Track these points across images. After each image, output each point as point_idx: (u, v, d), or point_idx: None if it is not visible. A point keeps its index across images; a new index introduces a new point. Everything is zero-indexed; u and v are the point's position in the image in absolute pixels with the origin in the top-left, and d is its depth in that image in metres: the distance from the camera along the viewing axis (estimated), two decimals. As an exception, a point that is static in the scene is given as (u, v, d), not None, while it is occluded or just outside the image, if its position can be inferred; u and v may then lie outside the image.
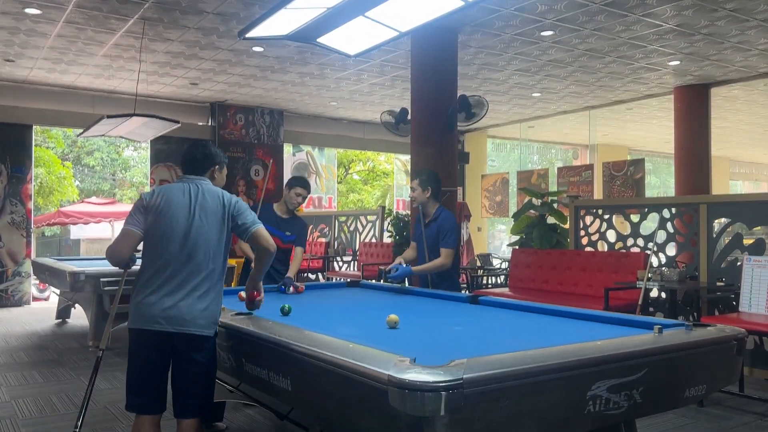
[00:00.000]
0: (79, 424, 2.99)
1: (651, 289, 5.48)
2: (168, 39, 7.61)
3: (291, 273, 4.44)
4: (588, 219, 6.79)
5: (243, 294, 3.16)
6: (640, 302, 4.98)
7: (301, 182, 4.75)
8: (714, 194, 9.62)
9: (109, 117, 7.32)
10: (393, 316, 2.81)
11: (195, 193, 2.80)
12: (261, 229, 2.82)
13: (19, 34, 7.44)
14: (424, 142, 7.05)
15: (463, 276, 8.81)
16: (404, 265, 4.36)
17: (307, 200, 4.90)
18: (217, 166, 2.98)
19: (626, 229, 6.56)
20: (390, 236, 9.93)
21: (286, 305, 3.21)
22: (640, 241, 6.26)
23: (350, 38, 4.23)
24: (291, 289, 4.21)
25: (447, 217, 4.52)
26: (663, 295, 5.79)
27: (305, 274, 9.85)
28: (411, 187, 4.53)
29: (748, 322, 4.46)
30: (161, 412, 2.78)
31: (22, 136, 10.10)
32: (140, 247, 2.85)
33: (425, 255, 4.50)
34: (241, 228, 2.81)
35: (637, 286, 5.15)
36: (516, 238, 8.14)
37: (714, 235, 5.57)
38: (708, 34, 7.42)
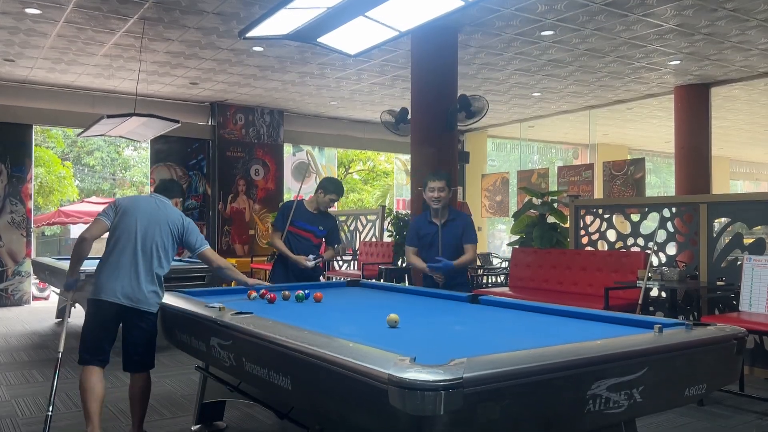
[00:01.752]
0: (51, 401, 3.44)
1: (651, 289, 5.48)
2: (168, 39, 7.61)
3: (326, 257, 5.05)
4: (588, 218, 6.79)
5: (254, 292, 3.74)
6: (640, 302, 4.98)
7: (336, 188, 4.99)
8: (714, 194, 9.62)
9: (109, 117, 7.32)
10: (393, 316, 2.81)
11: (158, 207, 3.62)
12: (207, 250, 3.69)
13: (19, 34, 7.44)
14: (424, 141, 7.05)
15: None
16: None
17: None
18: (180, 199, 3.88)
19: (626, 229, 6.57)
20: (390, 236, 9.93)
21: (302, 292, 3.69)
22: (641, 241, 6.26)
23: (350, 38, 4.24)
24: (311, 263, 4.74)
25: (464, 214, 4.70)
26: (663, 294, 5.80)
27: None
28: (438, 188, 4.41)
29: (748, 322, 4.47)
30: (105, 365, 3.47)
31: (22, 136, 10.10)
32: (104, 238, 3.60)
33: (439, 255, 4.44)
34: (189, 245, 3.65)
35: (637, 285, 5.15)
36: (516, 237, 8.13)
37: (714, 235, 5.57)
38: (708, 33, 7.42)
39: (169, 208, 3.67)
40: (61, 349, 3.63)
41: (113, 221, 3.54)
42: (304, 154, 16.38)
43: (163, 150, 11.18)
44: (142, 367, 3.52)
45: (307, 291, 3.83)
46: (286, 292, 3.94)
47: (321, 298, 3.69)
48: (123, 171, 24.01)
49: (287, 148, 13.46)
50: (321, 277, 4.79)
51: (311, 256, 4.79)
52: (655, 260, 5.88)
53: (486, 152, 15.11)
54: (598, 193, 11.47)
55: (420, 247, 4.61)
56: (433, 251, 4.49)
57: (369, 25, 3.97)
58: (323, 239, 5.03)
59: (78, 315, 8.05)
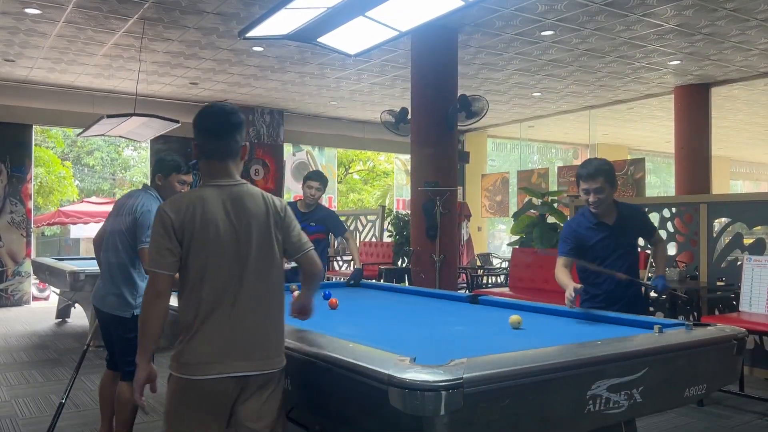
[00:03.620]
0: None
1: (651, 289, 5.47)
2: (168, 39, 7.60)
3: (358, 264, 4.77)
4: (588, 219, 6.78)
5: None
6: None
7: (311, 174, 4.86)
8: (714, 194, 9.62)
9: (108, 117, 7.31)
10: (515, 317, 2.81)
11: (125, 198, 3.44)
12: (144, 249, 3.17)
13: (19, 34, 7.44)
14: (424, 141, 7.04)
15: (463, 276, 8.82)
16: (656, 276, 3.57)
17: (322, 192, 4.94)
18: (161, 174, 3.43)
19: (626, 229, 6.55)
20: (390, 236, 9.92)
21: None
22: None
23: (350, 38, 4.23)
24: (352, 281, 4.45)
25: (634, 206, 3.69)
26: (663, 294, 5.79)
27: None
28: (595, 189, 3.33)
29: (748, 322, 4.47)
30: (116, 370, 3.39)
31: (22, 136, 10.10)
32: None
33: (616, 257, 3.41)
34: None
35: (638, 285, 5.13)
36: (516, 237, 8.14)
37: (714, 235, 5.57)
38: (708, 33, 7.42)
39: (134, 196, 3.39)
40: (89, 341, 3.90)
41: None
42: (304, 154, 16.37)
43: (163, 150, 11.15)
44: (123, 375, 3.29)
45: (328, 291, 3.84)
46: (293, 286, 3.96)
47: (336, 304, 3.44)
48: (123, 171, 24.00)
49: (287, 148, 13.45)
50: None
51: (351, 281, 4.64)
52: (655, 260, 5.86)
53: (486, 152, 15.11)
54: (598, 193, 11.45)
55: (581, 256, 3.47)
56: (605, 262, 3.41)
57: (369, 25, 3.96)
58: (325, 236, 4.91)
59: (78, 315, 8.08)
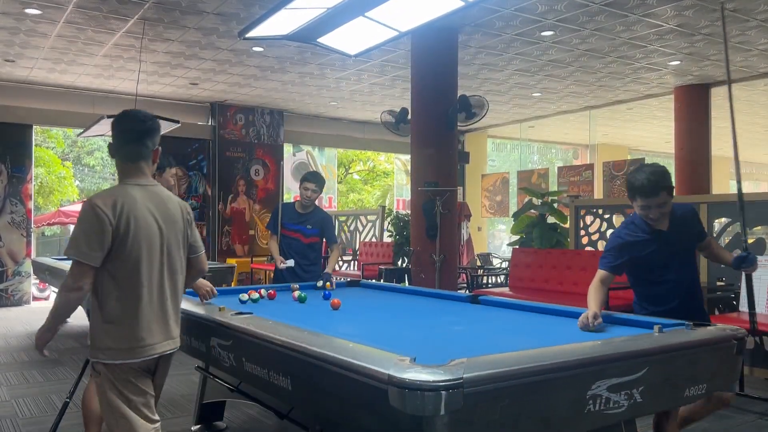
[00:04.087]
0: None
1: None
2: (168, 39, 7.61)
3: (329, 269, 4.69)
4: (588, 219, 6.79)
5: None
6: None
7: (307, 176, 4.84)
8: (714, 194, 9.62)
9: (109, 117, 7.28)
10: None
11: None
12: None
13: (19, 35, 7.44)
14: (424, 141, 7.05)
15: (463, 276, 8.82)
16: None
17: (319, 194, 4.94)
18: (156, 171, 3.30)
19: (626, 229, 6.55)
20: (390, 236, 9.93)
21: (303, 294, 3.69)
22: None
23: (350, 38, 4.24)
24: (320, 282, 4.25)
25: (686, 205, 3.26)
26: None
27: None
28: (658, 204, 2.96)
29: (748, 322, 4.46)
30: None
31: (22, 136, 10.10)
32: None
33: (676, 267, 3.06)
34: None
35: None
36: (516, 237, 8.14)
37: (714, 235, 5.57)
38: (708, 34, 7.42)
39: None
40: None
41: None
42: (304, 155, 16.38)
43: (162, 150, 11.16)
44: None
45: (327, 291, 3.86)
46: (295, 285, 4.05)
47: (338, 305, 3.43)
48: (123, 171, 24.00)
49: (287, 148, 13.45)
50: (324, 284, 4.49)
51: (291, 261, 4.77)
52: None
53: (486, 152, 15.11)
54: (598, 194, 11.48)
55: (635, 270, 3.14)
56: (660, 272, 3.06)
57: (369, 25, 3.97)
58: (320, 239, 4.96)
59: (78, 315, 8.07)
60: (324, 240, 5.07)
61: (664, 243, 3.03)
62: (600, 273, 3.09)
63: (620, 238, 3.12)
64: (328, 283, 4.25)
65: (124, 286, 2.27)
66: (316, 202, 5.08)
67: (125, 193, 2.30)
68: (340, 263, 10.81)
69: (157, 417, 2.39)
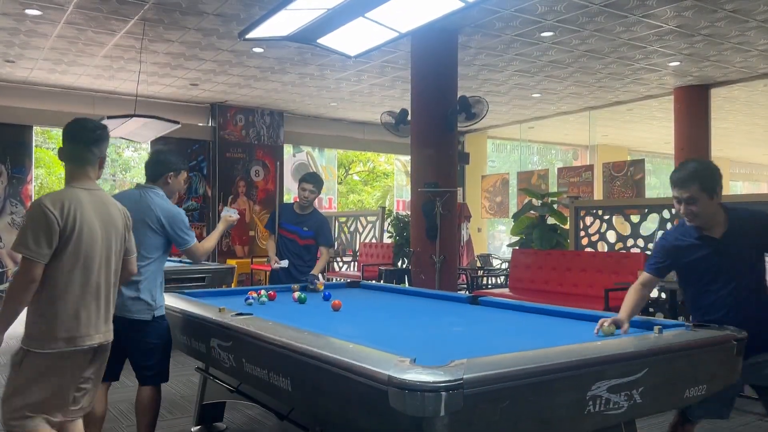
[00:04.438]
0: None
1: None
2: (168, 40, 7.61)
3: (315, 271, 4.63)
4: (588, 219, 6.80)
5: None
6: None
7: (306, 176, 4.85)
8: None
9: (109, 118, 7.33)
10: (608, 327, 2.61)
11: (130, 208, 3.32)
12: (191, 247, 3.40)
13: (19, 35, 7.44)
14: (424, 142, 7.05)
15: (463, 276, 8.82)
16: None
17: (317, 194, 4.93)
18: (171, 173, 3.41)
19: (626, 230, 6.57)
20: (390, 237, 9.92)
21: (303, 295, 3.76)
22: (640, 242, 6.26)
23: (350, 39, 4.24)
24: (310, 285, 4.27)
25: (756, 211, 2.87)
26: (663, 295, 5.80)
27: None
28: (687, 198, 2.71)
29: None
30: (110, 380, 3.27)
31: (23, 137, 10.11)
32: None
33: (727, 278, 2.72)
34: None
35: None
36: (516, 238, 8.14)
37: (714, 236, 5.56)
38: (708, 35, 7.43)
39: (143, 199, 3.29)
40: None
41: None
42: (304, 155, 16.39)
43: (163, 151, 11.16)
44: (142, 381, 3.27)
45: (328, 292, 3.87)
46: (295, 286, 4.06)
47: (339, 306, 3.43)
48: (123, 172, 24.00)
49: (287, 149, 13.45)
50: (321, 278, 4.58)
51: (285, 261, 4.76)
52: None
53: (486, 153, 15.11)
54: (598, 194, 11.48)
55: (687, 277, 2.87)
56: (709, 281, 2.76)
57: (369, 26, 3.97)
58: (314, 241, 4.91)
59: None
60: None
61: (710, 252, 2.73)
62: (643, 275, 2.90)
63: (665, 239, 2.93)
64: (319, 284, 4.28)
65: (64, 282, 2.43)
66: (316, 203, 5.07)
67: (73, 195, 2.47)
68: (340, 264, 10.82)
69: (76, 407, 2.59)
